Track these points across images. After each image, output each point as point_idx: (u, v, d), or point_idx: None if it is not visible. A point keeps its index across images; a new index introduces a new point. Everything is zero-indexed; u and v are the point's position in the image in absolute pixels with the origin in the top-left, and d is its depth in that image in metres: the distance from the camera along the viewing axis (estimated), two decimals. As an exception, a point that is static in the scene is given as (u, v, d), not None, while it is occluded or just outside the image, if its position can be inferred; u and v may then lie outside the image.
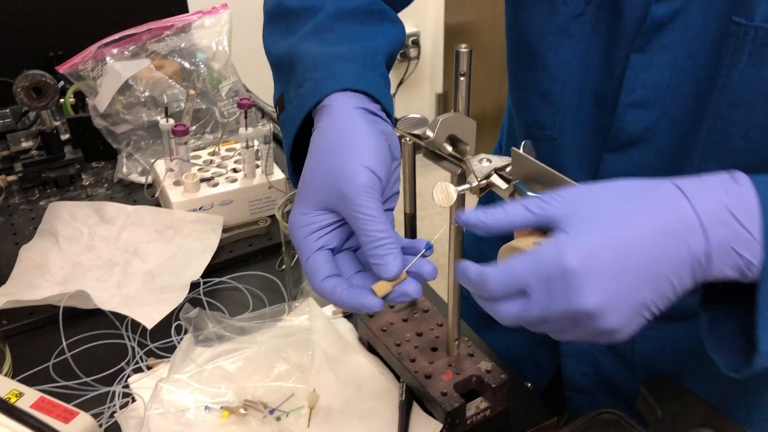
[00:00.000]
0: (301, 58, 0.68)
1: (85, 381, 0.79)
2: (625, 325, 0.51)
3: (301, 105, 0.65)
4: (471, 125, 0.63)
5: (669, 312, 0.53)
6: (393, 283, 0.57)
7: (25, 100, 1.09)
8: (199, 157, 1.11)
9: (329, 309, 0.88)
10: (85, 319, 0.88)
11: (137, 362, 0.82)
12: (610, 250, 0.50)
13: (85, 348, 0.84)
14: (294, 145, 0.67)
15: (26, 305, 0.89)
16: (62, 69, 1.18)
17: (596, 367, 0.90)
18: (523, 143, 0.60)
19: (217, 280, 0.95)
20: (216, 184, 1.04)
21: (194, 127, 1.19)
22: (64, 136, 1.20)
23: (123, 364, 0.82)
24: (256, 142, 1.03)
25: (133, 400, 0.77)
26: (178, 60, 1.21)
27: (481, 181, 0.61)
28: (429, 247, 0.60)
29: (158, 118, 1.14)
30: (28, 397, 0.68)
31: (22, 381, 0.75)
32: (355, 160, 0.58)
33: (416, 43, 3.03)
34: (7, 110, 1.31)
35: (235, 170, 1.08)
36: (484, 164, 0.62)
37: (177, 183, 1.04)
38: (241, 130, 1.02)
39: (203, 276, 0.94)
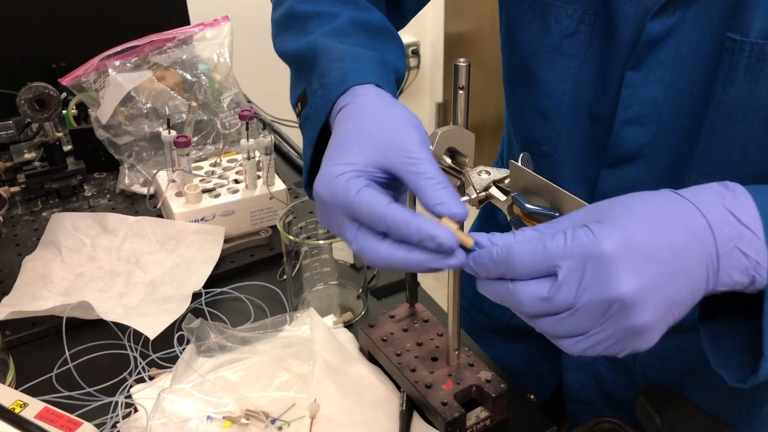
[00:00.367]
0: (326, 50, 0.68)
1: (87, 391, 0.80)
2: (656, 324, 0.49)
3: (327, 94, 0.65)
4: (470, 138, 0.63)
5: None
6: (454, 225, 0.53)
7: (28, 112, 1.10)
8: (200, 168, 1.11)
9: (330, 319, 0.89)
10: (88, 329, 0.89)
11: (140, 372, 0.83)
12: (643, 240, 0.48)
13: (87, 358, 0.85)
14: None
15: (29, 316, 0.89)
16: (65, 81, 1.18)
17: (598, 379, 0.90)
18: (521, 156, 0.60)
19: (218, 290, 0.96)
20: (218, 195, 1.05)
21: (196, 139, 1.20)
22: (67, 148, 1.21)
23: (125, 374, 0.82)
24: (257, 153, 1.04)
25: (136, 410, 0.77)
26: (180, 72, 1.22)
27: (479, 193, 0.62)
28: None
29: (160, 129, 1.15)
30: (32, 408, 0.68)
31: (25, 391, 0.75)
32: (406, 120, 0.58)
33: (416, 53, 3.03)
34: (10, 121, 1.32)
35: (236, 181, 1.08)
36: (482, 176, 0.62)
37: (179, 194, 1.05)
38: (243, 141, 1.03)
39: (205, 286, 0.94)
